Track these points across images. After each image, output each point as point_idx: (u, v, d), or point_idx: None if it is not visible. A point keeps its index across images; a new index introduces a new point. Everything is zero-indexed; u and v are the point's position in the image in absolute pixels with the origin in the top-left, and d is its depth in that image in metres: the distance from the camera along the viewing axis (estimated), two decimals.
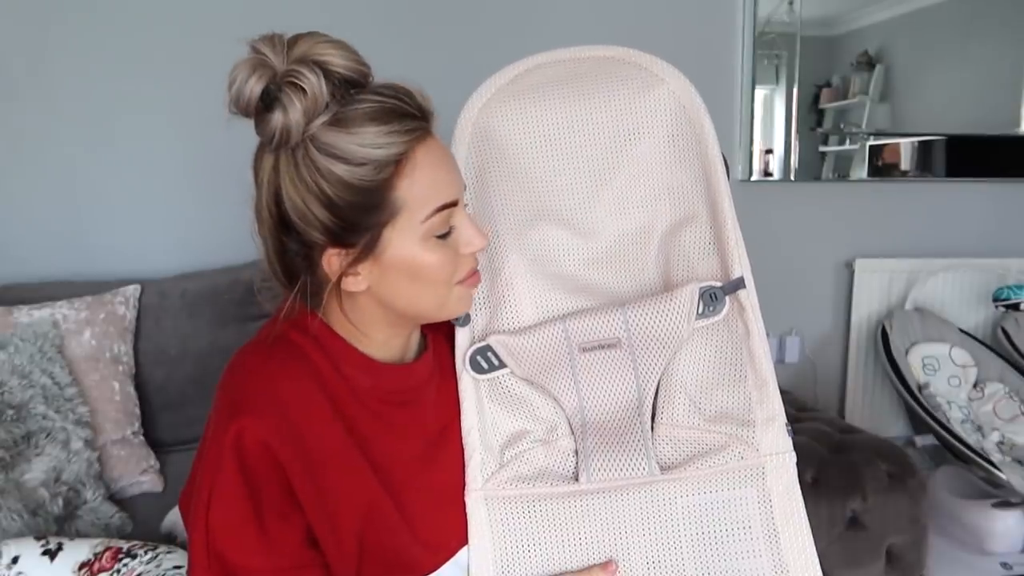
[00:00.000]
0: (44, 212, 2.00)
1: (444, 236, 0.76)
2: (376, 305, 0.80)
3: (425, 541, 0.82)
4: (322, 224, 0.73)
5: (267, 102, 0.70)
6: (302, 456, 0.74)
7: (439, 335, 0.92)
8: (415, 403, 0.86)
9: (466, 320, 0.90)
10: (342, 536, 0.77)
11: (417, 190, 0.73)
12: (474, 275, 0.82)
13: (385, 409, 0.83)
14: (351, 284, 0.77)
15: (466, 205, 0.82)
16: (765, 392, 0.86)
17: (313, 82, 0.69)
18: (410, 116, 0.72)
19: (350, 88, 0.72)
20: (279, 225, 0.75)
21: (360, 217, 0.73)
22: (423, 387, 0.87)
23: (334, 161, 0.70)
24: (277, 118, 0.70)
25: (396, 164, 0.72)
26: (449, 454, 0.88)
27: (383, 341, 0.84)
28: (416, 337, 0.89)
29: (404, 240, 0.75)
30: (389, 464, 0.81)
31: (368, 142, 0.70)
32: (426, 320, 0.84)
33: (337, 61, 0.70)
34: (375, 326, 0.82)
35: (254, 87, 0.70)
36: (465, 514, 0.86)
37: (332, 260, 0.75)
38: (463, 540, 0.86)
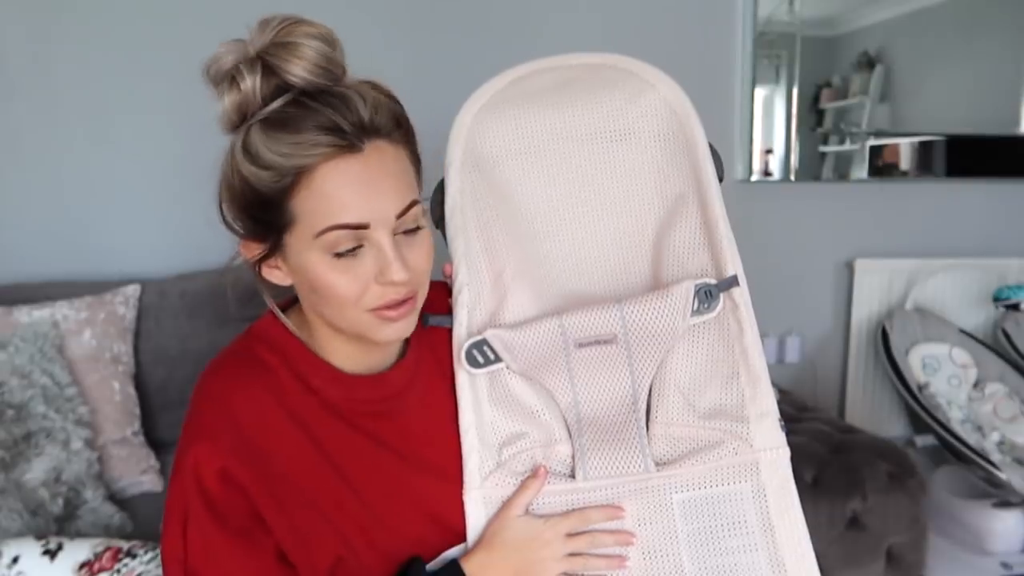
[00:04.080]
0: (44, 212, 2.00)
1: (347, 255, 0.73)
2: (313, 312, 0.80)
3: (410, 550, 0.81)
4: (233, 215, 0.76)
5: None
6: (265, 476, 0.74)
7: (423, 341, 0.90)
8: (394, 413, 0.84)
9: (425, 320, 0.89)
10: (316, 554, 0.76)
11: (313, 204, 0.71)
12: (398, 306, 0.75)
13: (361, 421, 0.82)
14: (276, 276, 0.78)
15: (413, 230, 0.77)
16: (758, 388, 0.86)
17: (248, 84, 0.71)
18: (333, 131, 0.70)
19: (303, 90, 0.72)
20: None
21: (260, 218, 0.74)
22: (401, 396, 0.85)
23: (245, 160, 0.72)
24: (220, 104, 0.73)
25: (297, 175, 0.70)
26: (439, 460, 0.86)
27: (339, 349, 0.82)
28: (394, 347, 0.87)
29: (302, 250, 0.73)
30: (367, 477, 0.80)
31: (276, 149, 0.70)
32: (352, 335, 0.79)
33: (294, 70, 0.71)
34: (324, 333, 0.81)
35: (220, 64, 0.72)
36: (455, 519, 0.86)
37: (247, 247, 0.78)
38: (450, 543, 0.85)
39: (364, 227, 0.72)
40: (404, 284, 0.74)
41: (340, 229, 0.71)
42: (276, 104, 0.71)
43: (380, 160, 0.73)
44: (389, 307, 0.75)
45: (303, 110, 0.71)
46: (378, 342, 0.79)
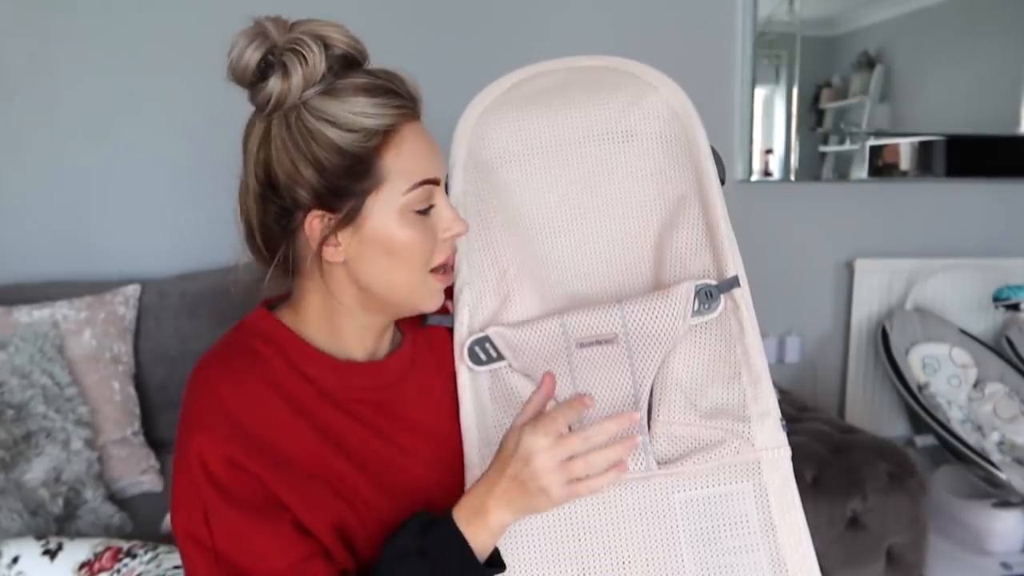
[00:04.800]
0: (44, 212, 2.00)
1: (423, 213, 0.79)
2: (353, 286, 0.81)
3: None
4: (310, 186, 0.75)
5: (263, 70, 0.75)
6: (271, 461, 0.75)
7: (421, 339, 0.91)
8: (389, 403, 0.85)
9: (426, 318, 0.91)
10: (324, 517, 0.77)
11: (403, 162, 0.76)
12: (447, 272, 0.84)
13: (357, 408, 0.82)
14: (331, 254, 0.78)
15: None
16: (759, 388, 0.86)
17: (314, 51, 0.73)
18: (398, 95, 0.76)
19: (345, 66, 0.76)
20: (265, 191, 0.77)
21: (346, 182, 0.75)
22: (398, 385, 0.86)
23: (326, 125, 0.74)
24: (273, 84, 0.74)
25: (384, 135, 0.75)
26: (435, 453, 0.87)
27: (354, 331, 0.83)
28: (390, 335, 0.89)
29: (385, 211, 0.77)
30: (365, 458, 0.81)
31: (359, 110, 0.74)
32: (399, 308, 0.84)
33: (338, 38, 0.75)
34: (350, 312, 0.82)
35: (252, 55, 0.74)
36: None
37: (314, 224, 0.77)
38: None
39: (437, 182, 0.80)
40: (460, 237, 0.84)
41: (428, 184, 0.78)
42: (353, 78, 0.75)
43: (426, 130, 0.80)
44: (444, 269, 0.83)
45: (363, 78, 0.76)
46: (423, 310, 0.84)
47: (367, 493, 0.80)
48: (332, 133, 0.74)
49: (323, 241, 0.77)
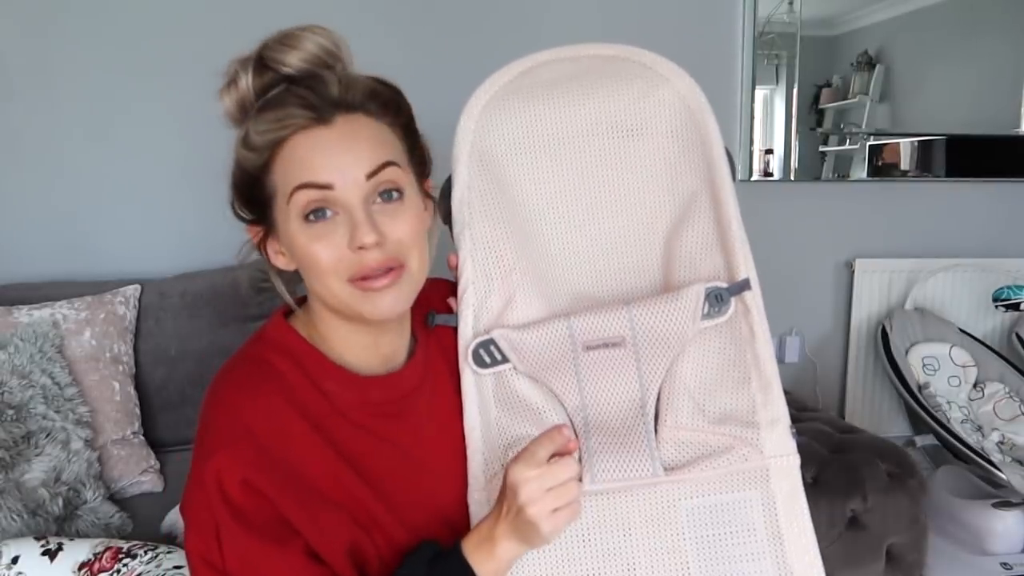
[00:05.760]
0: (44, 212, 2.00)
1: (319, 221, 0.75)
2: (317, 300, 0.82)
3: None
4: (235, 201, 0.81)
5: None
6: (284, 480, 0.75)
7: (433, 341, 0.90)
8: (406, 413, 0.85)
9: (431, 320, 0.90)
10: (336, 542, 0.77)
11: (284, 172, 0.76)
12: (378, 285, 0.76)
13: (373, 422, 0.82)
14: (281, 261, 0.82)
15: (394, 199, 0.77)
16: (769, 394, 0.85)
17: (243, 82, 0.77)
18: (307, 106, 0.75)
19: (292, 79, 0.77)
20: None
21: (251, 197, 0.79)
22: (412, 396, 0.86)
23: (240, 147, 0.78)
24: (222, 106, 0.79)
25: (272, 149, 0.76)
26: (448, 461, 0.86)
27: (346, 340, 0.82)
28: (403, 343, 0.88)
29: (285, 221, 0.77)
30: (381, 475, 0.80)
31: (258, 129, 0.76)
32: (350, 316, 0.79)
33: (289, 60, 0.76)
34: (331, 324, 0.82)
35: (227, 71, 0.79)
36: (464, 520, 0.85)
37: (251, 231, 0.83)
38: None
39: (328, 187, 0.74)
40: (375, 248, 0.75)
41: (305, 188, 0.74)
42: (269, 95, 0.77)
43: (352, 129, 0.76)
44: (368, 278, 0.76)
45: (285, 94, 0.76)
46: (370, 319, 0.79)
47: (382, 517, 0.79)
48: (239, 153, 0.77)
49: (262, 250, 0.82)
